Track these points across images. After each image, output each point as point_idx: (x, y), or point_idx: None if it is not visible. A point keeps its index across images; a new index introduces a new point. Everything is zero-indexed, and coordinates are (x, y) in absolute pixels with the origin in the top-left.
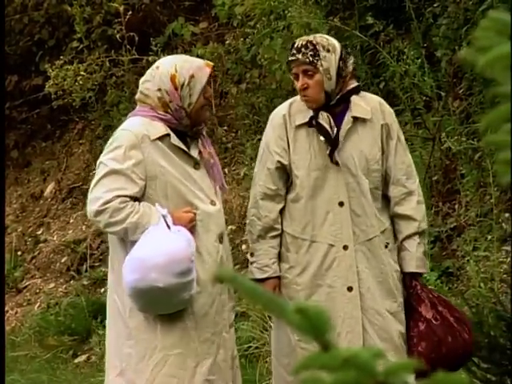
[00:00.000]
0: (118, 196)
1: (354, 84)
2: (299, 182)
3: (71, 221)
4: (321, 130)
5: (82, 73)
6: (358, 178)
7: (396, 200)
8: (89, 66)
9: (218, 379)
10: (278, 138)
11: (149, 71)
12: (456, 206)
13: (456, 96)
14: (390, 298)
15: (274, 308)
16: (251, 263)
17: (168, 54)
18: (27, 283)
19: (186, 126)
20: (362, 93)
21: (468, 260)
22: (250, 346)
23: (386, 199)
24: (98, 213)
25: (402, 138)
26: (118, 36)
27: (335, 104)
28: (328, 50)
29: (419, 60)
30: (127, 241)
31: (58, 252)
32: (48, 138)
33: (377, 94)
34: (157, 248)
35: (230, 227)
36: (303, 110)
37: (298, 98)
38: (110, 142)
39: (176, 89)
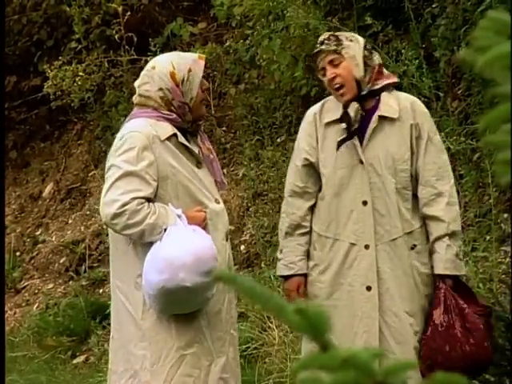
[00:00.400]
0: (135, 198)
1: (386, 81)
2: (325, 179)
3: (70, 221)
4: (345, 119)
5: (80, 73)
6: (383, 177)
7: (424, 201)
8: (87, 66)
9: (231, 377)
10: (307, 136)
11: (144, 73)
12: None
13: (455, 96)
14: (409, 300)
15: (273, 308)
16: (279, 260)
17: None
18: (26, 284)
19: (188, 121)
20: (396, 92)
21: (467, 260)
22: (249, 347)
23: (417, 200)
24: (116, 215)
25: (436, 138)
26: (116, 36)
27: (366, 97)
28: (351, 40)
29: (418, 60)
30: (142, 242)
31: (56, 252)
32: (47, 138)
33: None
34: (183, 248)
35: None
36: (334, 109)
37: (331, 97)
38: (117, 144)
39: (177, 85)
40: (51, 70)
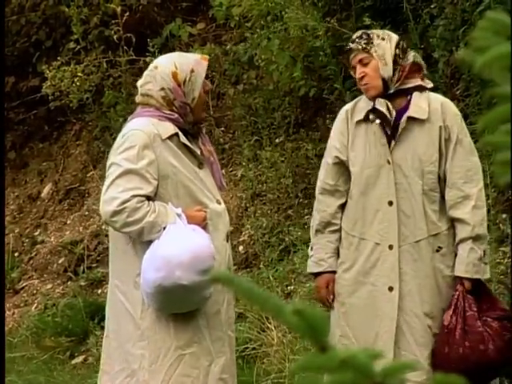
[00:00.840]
0: (135, 196)
1: (417, 82)
2: (353, 178)
3: (68, 222)
4: (378, 114)
5: (79, 74)
6: (410, 178)
7: (451, 203)
8: (86, 67)
9: (230, 378)
10: (339, 134)
11: (146, 73)
12: None
13: (453, 97)
14: (429, 302)
15: (272, 309)
16: (309, 257)
17: None
18: (24, 284)
19: (190, 122)
20: (428, 93)
21: None
22: (247, 347)
23: (445, 202)
24: (116, 213)
25: (466, 140)
26: (115, 37)
27: (394, 95)
28: (383, 39)
29: None
30: (141, 240)
31: (55, 253)
32: (45, 139)
33: None
34: (181, 246)
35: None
36: (365, 107)
37: (364, 96)
38: (118, 142)
39: (179, 85)
40: (50, 71)
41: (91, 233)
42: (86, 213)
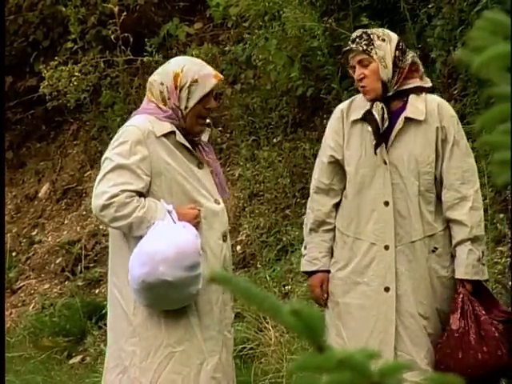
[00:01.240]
0: (124, 190)
1: (416, 83)
2: (348, 178)
3: (66, 222)
4: (370, 120)
5: (76, 74)
6: (406, 179)
7: (448, 205)
8: (83, 66)
9: (223, 378)
10: (334, 133)
11: (164, 64)
12: None
13: (451, 97)
14: (425, 303)
15: (269, 309)
16: (303, 256)
17: (163, 55)
18: (22, 284)
19: (183, 128)
20: (425, 94)
21: None
22: (245, 347)
23: (441, 203)
24: (104, 207)
25: (463, 142)
26: (112, 37)
27: (392, 97)
28: (383, 40)
29: None
30: (131, 236)
31: (52, 253)
32: (43, 138)
33: None
34: (166, 242)
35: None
36: (361, 106)
37: (360, 95)
38: (115, 138)
39: (176, 88)
40: (47, 71)
41: (89, 232)
42: (84, 213)
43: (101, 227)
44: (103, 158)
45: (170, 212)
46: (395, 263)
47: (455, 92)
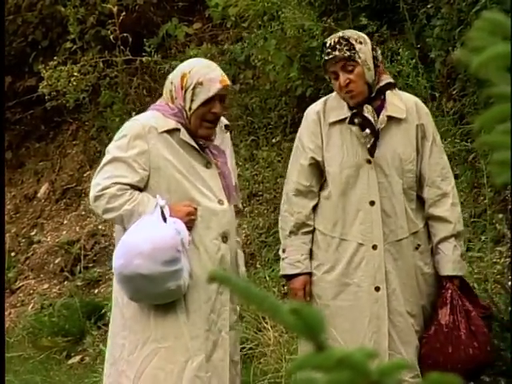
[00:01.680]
0: (117, 183)
1: (387, 79)
2: (331, 179)
3: (65, 222)
4: (367, 123)
5: (75, 74)
6: (391, 177)
7: (430, 202)
8: (82, 66)
9: (213, 378)
10: (311, 135)
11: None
12: None
13: (450, 97)
14: (412, 300)
15: (268, 309)
16: (283, 259)
17: (162, 55)
18: (21, 284)
19: (188, 128)
20: (397, 91)
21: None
22: (244, 347)
23: (420, 200)
24: (96, 198)
25: (438, 139)
26: (111, 37)
27: (375, 97)
28: (360, 42)
29: (413, 61)
30: (125, 228)
31: (51, 253)
32: (42, 138)
33: None
34: (143, 235)
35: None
36: (337, 108)
37: (333, 95)
38: (118, 131)
39: (182, 88)
40: (46, 71)
41: (88, 233)
42: (83, 213)
43: (100, 227)
44: (106, 152)
45: (162, 207)
46: (384, 262)
47: (454, 92)
